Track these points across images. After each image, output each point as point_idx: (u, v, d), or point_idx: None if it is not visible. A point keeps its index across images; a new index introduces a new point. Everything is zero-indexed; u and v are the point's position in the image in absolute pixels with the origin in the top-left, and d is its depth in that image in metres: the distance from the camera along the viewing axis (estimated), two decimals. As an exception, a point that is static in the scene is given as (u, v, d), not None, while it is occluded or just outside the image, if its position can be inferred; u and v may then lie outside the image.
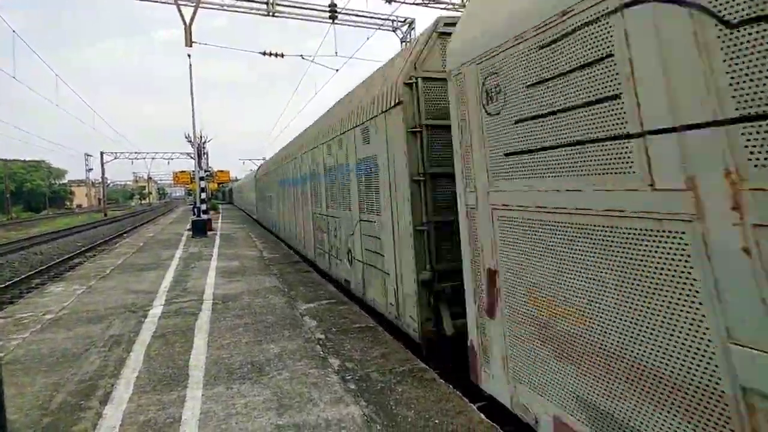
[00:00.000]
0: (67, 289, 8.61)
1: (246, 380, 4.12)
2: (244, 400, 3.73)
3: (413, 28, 19.15)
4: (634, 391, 2.13)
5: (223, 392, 3.89)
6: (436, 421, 3.27)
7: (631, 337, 2.13)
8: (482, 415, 3.33)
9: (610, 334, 2.26)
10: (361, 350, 4.80)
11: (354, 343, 5.02)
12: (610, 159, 2.18)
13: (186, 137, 26.53)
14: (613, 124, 2.15)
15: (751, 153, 1.57)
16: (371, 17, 18.76)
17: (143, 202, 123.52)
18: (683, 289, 1.86)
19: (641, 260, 2.05)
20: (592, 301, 2.36)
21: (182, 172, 32.29)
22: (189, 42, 15.42)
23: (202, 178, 19.51)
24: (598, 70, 2.21)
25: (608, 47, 2.15)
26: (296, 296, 7.34)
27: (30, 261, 17.55)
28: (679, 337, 1.90)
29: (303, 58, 17.99)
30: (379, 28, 18.76)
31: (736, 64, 1.60)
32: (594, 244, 2.32)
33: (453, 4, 16.61)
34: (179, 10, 15.00)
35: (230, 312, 6.49)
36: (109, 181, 72.97)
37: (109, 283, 8.97)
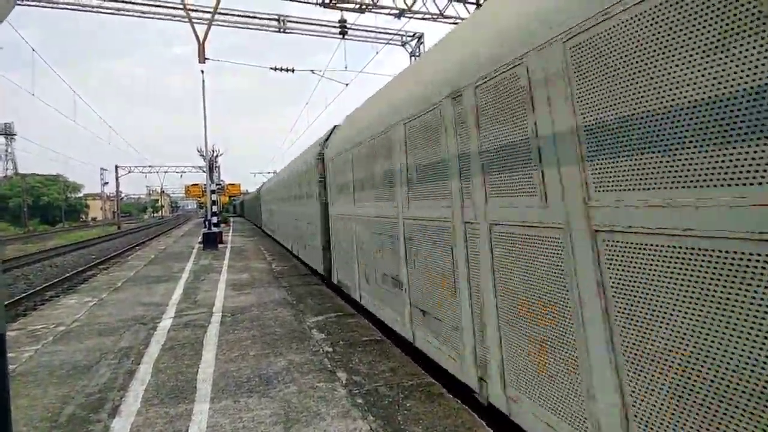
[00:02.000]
0: (79, 301, 8.71)
1: (253, 393, 4.10)
2: (252, 413, 3.71)
3: (422, 43, 19.34)
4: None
5: (230, 406, 3.88)
6: (445, 437, 3.22)
7: None
8: (492, 431, 3.27)
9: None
10: (369, 364, 4.76)
11: (362, 357, 4.98)
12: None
13: (198, 151, 26.93)
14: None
15: None
16: (381, 32, 19.01)
17: (156, 215, 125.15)
18: None
19: None
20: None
21: (194, 185, 32.68)
22: (202, 58, 15.74)
23: (213, 192, 19.72)
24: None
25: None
26: (305, 309, 7.33)
27: (45, 273, 17.82)
28: None
29: (313, 72, 18.26)
30: (388, 43, 18.99)
31: None
32: None
33: (461, 18, 16.77)
34: (193, 28, 15.36)
35: (239, 325, 6.50)
36: (123, 195, 74.17)
37: (121, 296, 9.06)
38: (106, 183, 65.58)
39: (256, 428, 3.46)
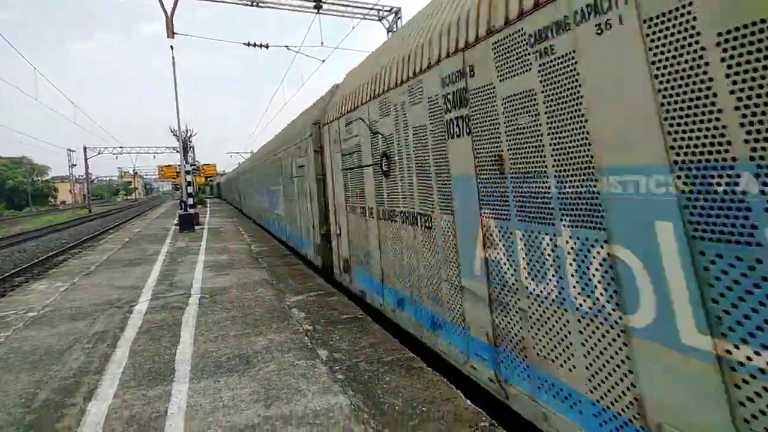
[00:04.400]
0: (50, 286, 8.46)
1: (233, 373, 4.10)
2: (232, 392, 3.71)
3: (399, 18, 18.97)
4: None
5: (210, 385, 3.86)
6: (423, 409, 3.29)
7: None
8: (469, 402, 3.36)
9: None
10: (350, 341, 4.80)
11: (342, 334, 5.02)
12: None
13: (171, 131, 26.11)
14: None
15: None
16: (357, 6, 18.54)
17: (128, 197, 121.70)
18: None
19: None
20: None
21: (167, 166, 31.74)
22: (171, 33, 15.09)
23: (187, 172, 19.24)
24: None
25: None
26: (284, 289, 7.30)
27: (13, 259, 17.21)
28: None
29: (288, 48, 17.75)
30: (365, 18, 18.57)
31: None
32: None
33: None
34: (160, 1, 14.66)
35: (218, 306, 6.44)
36: (93, 177, 71.64)
37: (94, 280, 8.84)
38: (74, 165, 62.98)
39: (236, 407, 3.46)
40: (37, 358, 4.76)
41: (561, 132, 2.40)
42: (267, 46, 18.53)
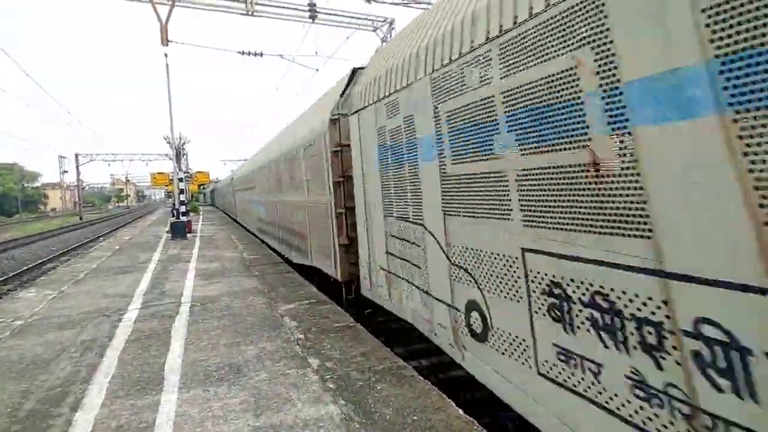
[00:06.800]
0: (38, 294, 8.35)
1: (223, 382, 4.06)
2: (221, 402, 3.67)
3: (393, 28, 19.15)
4: None
5: (199, 395, 3.82)
6: (415, 418, 3.28)
7: None
8: (460, 411, 3.35)
9: None
10: (341, 349, 4.78)
11: (334, 343, 5.00)
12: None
13: (165, 139, 26.05)
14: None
15: None
16: (351, 17, 18.70)
17: (120, 204, 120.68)
18: None
19: None
20: None
21: (160, 173, 31.57)
22: (165, 41, 15.11)
23: (180, 180, 19.18)
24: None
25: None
26: (276, 297, 7.26)
27: (1, 267, 16.98)
28: None
29: (282, 57, 17.85)
30: (359, 28, 18.73)
31: None
32: None
33: (431, 3, 16.67)
34: (155, 9, 14.70)
35: (209, 314, 6.39)
36: (84, 184, 70.93)
37: (83, 288, 8.74)
38: (66, 171, 62.34)
39: (225, 416, 3.43)
40: (23, 367, 4.69)
41: None
42: (261, 55, 18.60)
